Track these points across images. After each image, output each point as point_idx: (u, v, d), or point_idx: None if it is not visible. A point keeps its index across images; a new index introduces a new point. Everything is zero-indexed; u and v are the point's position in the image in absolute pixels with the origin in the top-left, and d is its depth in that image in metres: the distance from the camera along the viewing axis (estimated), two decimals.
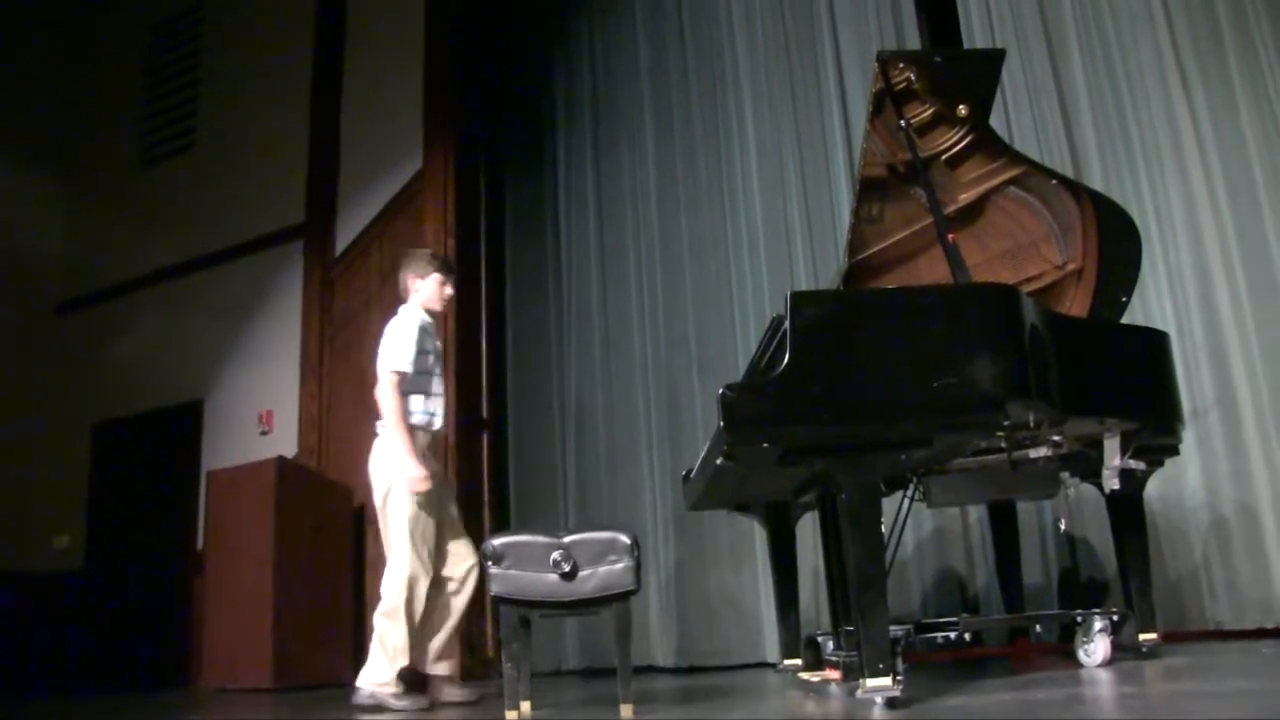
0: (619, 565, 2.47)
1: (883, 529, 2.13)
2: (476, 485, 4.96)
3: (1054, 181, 2.86)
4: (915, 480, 2.81)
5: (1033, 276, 2.93)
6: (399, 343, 2.96)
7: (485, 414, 5.14)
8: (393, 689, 2.82)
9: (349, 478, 4.91)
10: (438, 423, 3.02)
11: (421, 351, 3.01)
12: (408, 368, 2.92)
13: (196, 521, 5.56)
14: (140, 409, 6.13)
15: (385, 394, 2.88)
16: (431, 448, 3.06)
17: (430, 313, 3.17)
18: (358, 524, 4.89)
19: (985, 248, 2.94)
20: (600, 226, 5.11)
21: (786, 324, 2.18)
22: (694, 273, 4.72)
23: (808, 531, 3.78)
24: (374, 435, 3.03)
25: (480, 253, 5.34)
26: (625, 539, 2.50)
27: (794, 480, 2.79)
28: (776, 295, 4.29)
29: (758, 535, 4.04)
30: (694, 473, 3.07)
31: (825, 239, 4.32)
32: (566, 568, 2.46)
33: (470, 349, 5.14)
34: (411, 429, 2.94)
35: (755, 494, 3.13)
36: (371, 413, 3.07)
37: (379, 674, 2.82)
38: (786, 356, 2.14)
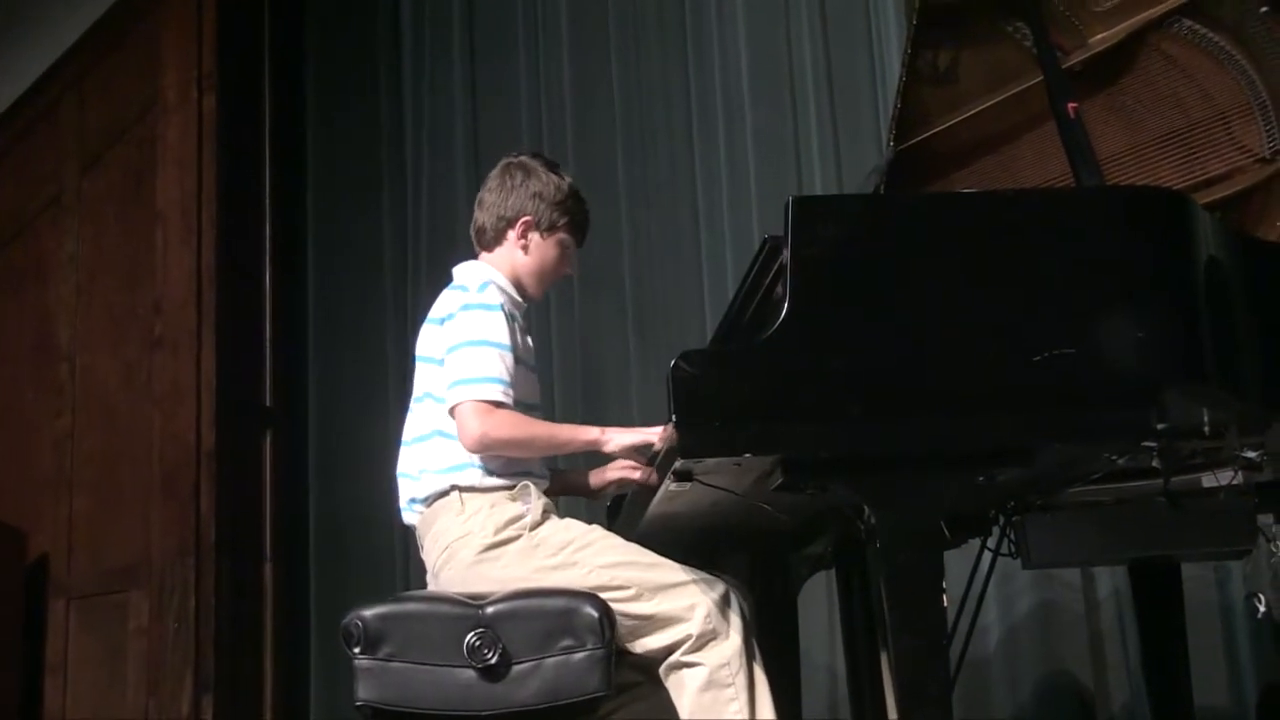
0: (579, 654, 2.49)
1: (945, 603, 2.15)
2: (253, 516, 4.97)
3: (1265, 9, 2.80)
4: (1003, 522, 2.81)
5: (1216, 177, 2.88)
6: (482, 347, 2.84)
7: (269, 401, 5.15)
8: None
9: (19, 512, 4.86)
10: (538, 469, 2.99)
11: (516, 359, 2.92)
12: (504, 395, 2.82)
13: None
14: None
15: (474, 433, 2.78)
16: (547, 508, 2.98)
17: (522, 290, 3.06)
18: (33, 590, 4.85)
19: (1134, 126, 2.92)
20: (472, 80, 5.08)
21: (785, 252, 2.19)
22: (630, 167, 4.75)
23: (819, 603, 3.78)
24: (423, 502, 2.95)
25: (262, 124, 5.26)
26: (590, 609, 2.52)
27: (795, 518, 2.77)
28: (770, 205, 4.25)
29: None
30: (626, 501, 3.07)
31: (856, 108, 4.29)
32: (491, 657, 2.46)
33: (242, 296, 5.11)
34: (505, 486, 2.88)
35: (729, 540, 3.13)
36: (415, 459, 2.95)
37: None
38: (785, 306, 2.15)
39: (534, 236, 2.98)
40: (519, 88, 5.06)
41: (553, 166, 3.07)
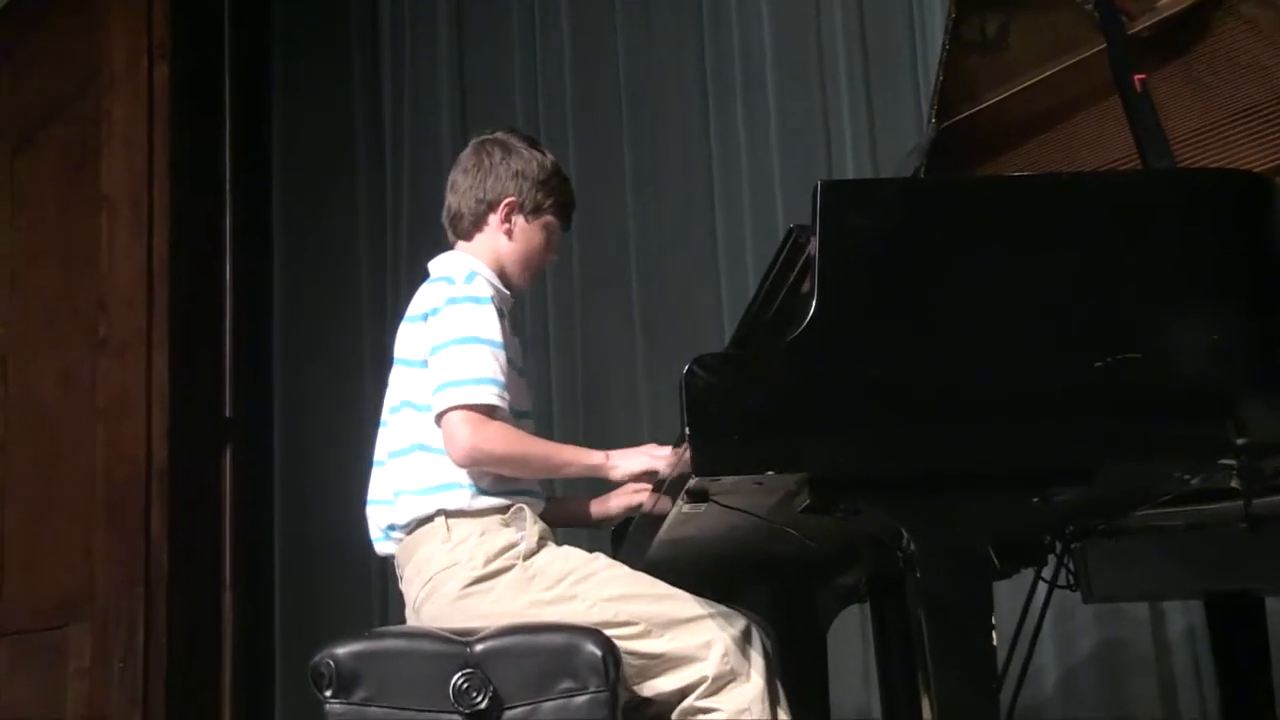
0: (580, 698, 2.50)
1: (995, 641, 2.12)
2: (210, 541, 5.00)
3: None
4: (1060, 550, 2.83)
5: None
6: (473, 345, 2.85)
7: (229, 411, 5.21)
8: None
9: None
10: (535, 488, 3.01)
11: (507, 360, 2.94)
12: (499, 398, 2.81)
13: None
14: None
15: (464, 444, 2.78)
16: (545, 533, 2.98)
17: (507, 281, 3.05)
18: None
19: (1208, 101, 2.87)
20: (459, 51, 5.12)
21: (813, 243, 2.15)
22: (638, 149, 4.85)
23: (851, 641, 3.85)
24: (403, 528, 2.93)
25: (222, 98, 5.34)
26: (592, 647, 2.51)
27: (824, 544, 2.75)
28: (795, 190, 4.28)
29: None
30: (633, 526, 3.06)
31: (893, 81, 4.30)
32: (480, 701, 2.46)
33: (198, 292, 5.17)
34: (501, 507, 2.88)
35: (749, 569, 3.15)
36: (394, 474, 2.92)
37: None
38: (812, 304, 2.12)
39: (519, 220, 2.99)
40: (512, 59, 5.11)
41: (532, 143, 3.09)
